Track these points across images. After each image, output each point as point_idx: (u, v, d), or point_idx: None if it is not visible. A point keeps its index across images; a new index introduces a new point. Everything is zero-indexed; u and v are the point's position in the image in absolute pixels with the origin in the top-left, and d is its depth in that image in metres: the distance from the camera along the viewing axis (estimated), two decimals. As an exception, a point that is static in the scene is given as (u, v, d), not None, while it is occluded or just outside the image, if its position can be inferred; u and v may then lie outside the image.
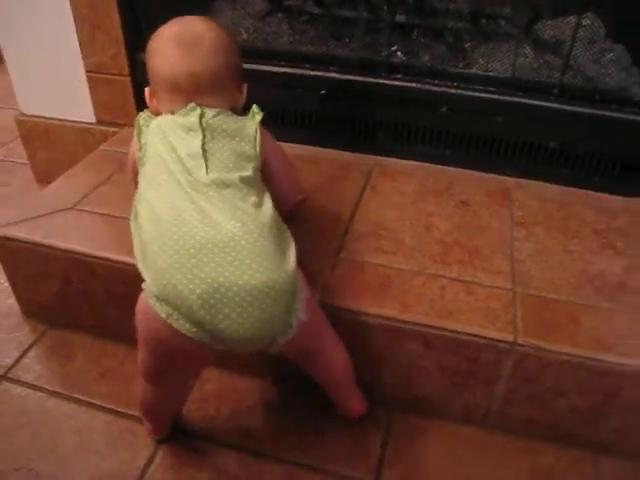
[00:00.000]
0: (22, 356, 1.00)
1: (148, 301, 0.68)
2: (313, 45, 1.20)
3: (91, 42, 1.21)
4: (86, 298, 0.99)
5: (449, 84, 1.12)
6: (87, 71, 1.25)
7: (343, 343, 0.83)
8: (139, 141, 0.77)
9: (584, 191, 1.12)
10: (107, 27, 1.18)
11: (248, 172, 0.75)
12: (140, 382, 0.80)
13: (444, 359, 0.84)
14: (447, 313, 0.83)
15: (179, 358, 0.73)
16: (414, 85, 1.12)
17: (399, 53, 1.18)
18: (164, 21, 0.81)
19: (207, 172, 0.72)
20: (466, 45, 1.21)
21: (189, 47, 0.76)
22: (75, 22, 1.19)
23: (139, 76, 1.23)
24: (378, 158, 1.19)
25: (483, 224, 1.01)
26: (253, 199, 0.73)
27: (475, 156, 1.15)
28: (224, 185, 0.72)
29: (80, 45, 1.22)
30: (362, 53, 1.17)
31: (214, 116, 0.76)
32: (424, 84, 1.12)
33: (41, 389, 0.95)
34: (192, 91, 0.77)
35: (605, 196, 1.11)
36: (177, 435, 0.88)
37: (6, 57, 1.30)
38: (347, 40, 1.20)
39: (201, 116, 0.75)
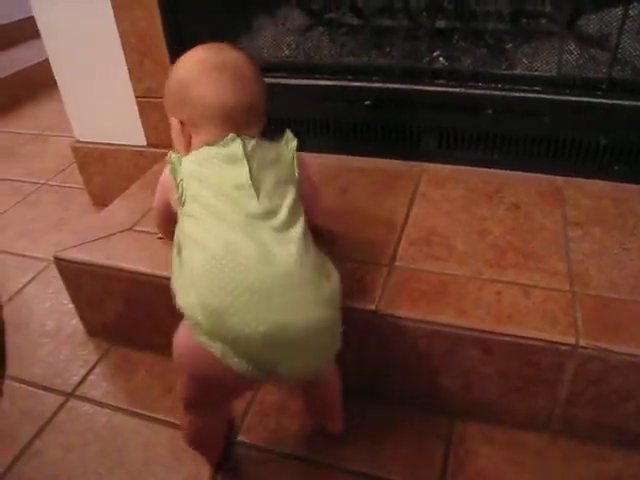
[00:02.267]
0: (88, 374, 1.04)
1: (196, 339, 0.67)
2: (355, 56, 1.22)
3: (140, 69, 1.26)
4: (148, 316, 1.02)
5: (493, 86, 1.11)
6: (137, 97, 1.30)
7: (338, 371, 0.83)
8: (175, 180, 0.73)
9: (639, 187, 1.09)
10: (154, 54, 1.22)
11: (292, 199, 0.74)
12: (183, 414, 0.79)
13: (504, 364, 0.83)
14: (505, 317, 0.82)
15: (228, 390, 0.74)
16: (458, 90, 1.12)
17: (441, 59, 1.18)
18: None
19: (259, 202, 0.70)
20: (508, 46, 1.20)
21: (236, 76, 0.75)
22: (124, 50, 1.24)
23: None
24: (426, 165, 1.19)
25: (536, 226, 0.99)
26: (300, 228, 0.72)
27: (523, 157, 1.14)
28: (274, 214, 0.71)
29: (130, 72, 1.27)
30: (404, 61, 1.17)
31: (255, 145, 0.75)
32: (468, 88, 1.11)
33: (107, 406, 0.98)
34: (240, 122, 0.75)
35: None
36: (240, 449, 0.90)
37: (60, 86, 1.36)
38: (388, 49, 1.21)
39: (244, 146, 0.73)
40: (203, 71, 0.75)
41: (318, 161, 1.22)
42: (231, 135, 0.73)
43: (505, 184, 1.11)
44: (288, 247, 0.68)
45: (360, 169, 1.19)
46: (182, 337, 0.71)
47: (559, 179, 1.12)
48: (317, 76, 1.18)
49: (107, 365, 1.06)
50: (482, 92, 1.11)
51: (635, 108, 1.05)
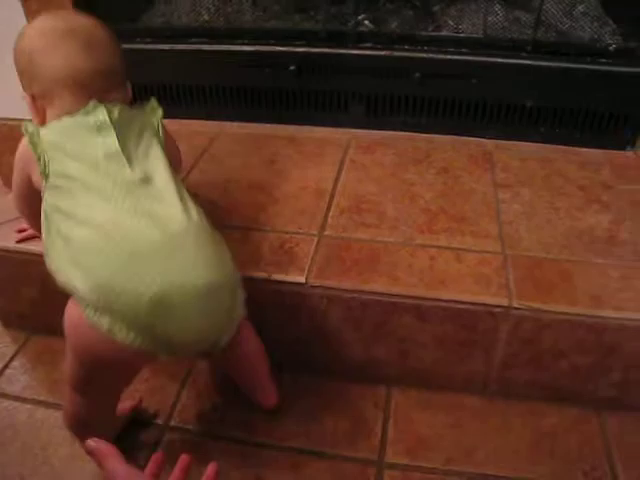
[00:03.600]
0: (5, 367, 0.97)
1: (82, 313, 0.64)
2: (278, 20, 1.17)
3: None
4: (66, 301, 0.95)
5: (420, 49, 1.09)
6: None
7: (257, 337, 0.82)
8: (36, 152, 0.69)
9: (565, 147, 1.10)
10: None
11: (165, 164, 0.72)
12: (68, 393, 0.75)
13: (440, 330, 0.82)
14: (438, 283, 0.81)
15: (116, 368, 0.70)
16: (384, 53, 1.09)
17: (367, 22, 1.15)
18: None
19: (131, 169, 0.68)
20: (434, 8, 1.18)
21: (87, 42, 0.70)
22: (25, 15, 1.13)
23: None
24: (354, 131, 1.16)
25: (467, 189, 0.99)
26: (179, 192, 0.70)
27: (452, 121, 1.13)
28: (150, 180, 0.69)
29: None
30: (329, 25, 1.13)
31: (120, 112, 0.71)
32: (394, 51, 1.09)
33: (28, 400, 0.91)
34: (96, 89, 0.71)
35: (587, 151, 1.09)
36: (175, 433, 0.86)
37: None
38: (313, 12, 1.16)
39: (108, 113, 0.70)
40: (49, 40, 0.70)
41: (244, 131, 1.17)
42: (93, 102, 0.70)
43: (435, 148, 1.10)
44: (172, 210, 0.67)
45: (288, 138, 1.15)
46: (70, 314, 0.68)
47: (488, 142, 1.12)
48: (238, 41, 1.13)
49: (26, 357, 0.99)
50: (409, 55, 1.08)
51: (559, 69, 1.05)
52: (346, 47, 1.10)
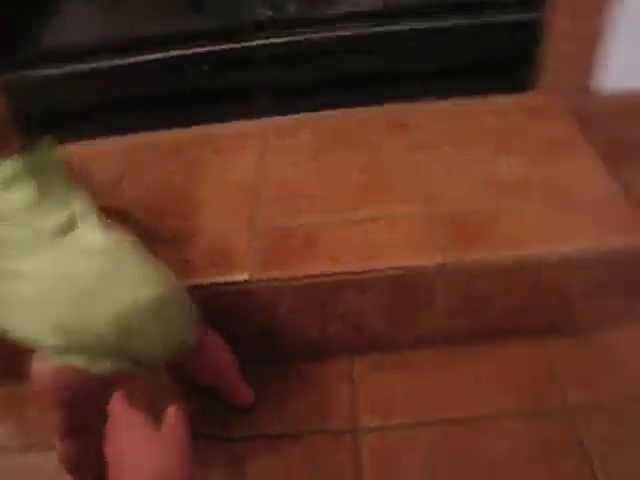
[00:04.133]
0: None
1: (49, 363, 0.66)
2: (175, 24, 1.16)
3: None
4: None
5: (316, 30, 1.11)
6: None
7: (222, 341, 0.84)
8: None
9: (476, 100, 1.15)
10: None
11: (78, 198, 0.71)
12: (58, 443, 0.76)
13: (382, 299, 0.86)
14: (374, 255, 0.85)
15: (98, 399, 0.69)
16: (282, 40, 1.11)
17: (265, 10, 1.16)
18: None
19: (51, 216, 0.67)
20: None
21: None
22: None
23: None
24: (270, 120, 1.18)
25: (388, 158, 1.03)
26: (102, 226, 0.70)
27: (363, 94, 1.16)
28: (72, 223, 0.68)
29: None
30: (223, 21, 1.15)
31: (24, 162, 0.68)
32: (293, 36, 1.11)
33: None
34: None
35: (495, 99, 1.14)
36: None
37: None
38: (206, 11, 1.17)
39: (14, 167, 0.67)
40: None
41: (163, 140, 1.17)
42: None
43: (351, 123, 1.13)
44: (98, 242, 0.68)
45: (206, 139, 1.16)
46: (36, 372, 0.69)
47: (401, 107, 1.15)
48: (140, 52, 1.12)
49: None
50: (306, 37, 1.10)
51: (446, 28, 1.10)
52: (247, 39, 1.12)
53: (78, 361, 0.65)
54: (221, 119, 1.18)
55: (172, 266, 0.75)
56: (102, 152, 1.16)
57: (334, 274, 0.84)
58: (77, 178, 0.77)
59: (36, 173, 0.69)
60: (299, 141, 1.11)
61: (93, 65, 1.13)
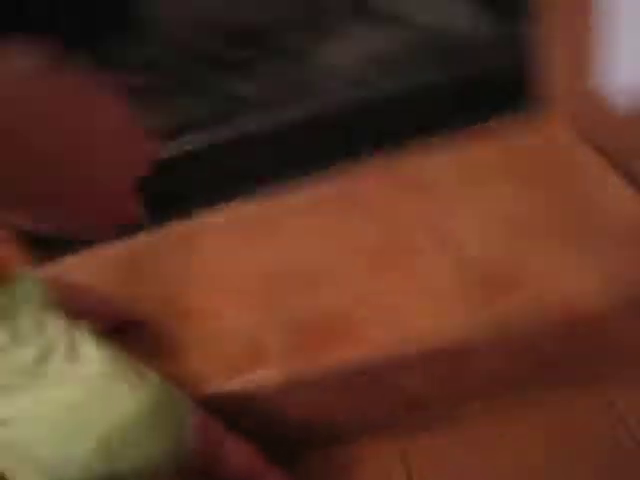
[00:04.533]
0: None
1: None
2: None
3: None
4: None
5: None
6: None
7: (248, 446, 0.80)
8: None
9: (476, 131, 1.10)
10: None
11: (59, 324, 0.69)
12: None
13: (427, 373, 0.82)
14: (409, 330, 0.80)
15: None
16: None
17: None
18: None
19: (27, 350, 0.65)
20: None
21: None
22: None
23: None
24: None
25: (400, 218, 0.98)
26: (84, 344, 0.68)
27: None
28: (51, 350, 0.66)
29: None
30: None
31: None
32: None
33: None
34: None
35: (499, 126, 1.09)
36: None
37: None
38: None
39: None
40: None
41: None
42: None
43: (353, 183, 1.08)
44: (84, 366, 0.66)
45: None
46: None
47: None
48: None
49: None
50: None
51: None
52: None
53: None
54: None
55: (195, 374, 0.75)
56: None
57: (372, 359, 0.79)
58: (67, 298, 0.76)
59: (6, 310, 0.67)
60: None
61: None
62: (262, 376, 0.81)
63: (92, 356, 0.67)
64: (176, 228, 1.13)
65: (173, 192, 1.10)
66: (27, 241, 1.16)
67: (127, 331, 0.92)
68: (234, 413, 0.83)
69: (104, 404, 0.65)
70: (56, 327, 0.69)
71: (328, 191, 1.09)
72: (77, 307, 0.79)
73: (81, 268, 1.13)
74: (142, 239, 1.13)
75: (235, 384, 0.82)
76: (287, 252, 0.99)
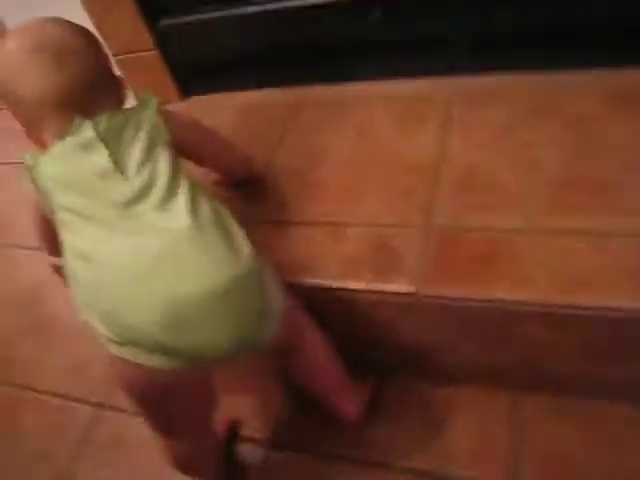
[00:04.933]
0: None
1: (113, 353, 0.60)
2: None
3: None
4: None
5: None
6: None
7: (326, 343, 0.75)
8: (38, 188, 0.65)
9: None
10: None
11: (167, 163, 0.64)
12: (158, 441, 0.72)
13: (579, 339, 0.67)
14: (576, 284, 0.65)
15: (178, 398, 0.66)
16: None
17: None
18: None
19: (129, 183, 0.62)
20: None
21: (59, 57, 0.63)
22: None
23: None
24: (453, 81, 0.96)
25: (605, 145, 0.78)
26: (185, 193, 0.63)
27: (581, 53, 0.89)
28: (150, 188, 0.62)
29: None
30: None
31: (109, 121, 0.64)
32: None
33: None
34: (80, 103, 0.64)
35: None
36: (279, 452, 0.82)
37: None
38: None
39: (95, 127, 0.63)
40: (17, 63, 0.64)
41: (328, 94, 1.03)
42: (77, 120, 0.63)
43: (558, 92, 0.88)
44: (174, 217, 0.61)
45: (378, 97, 0.98)
46: (111, 365, 0.63)
47: (629, 76, 0.87)
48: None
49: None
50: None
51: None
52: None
53: (129, 354, 0.59)
54: (396, 74, 0.99)
55: (325, 258, 0.70)
56: (264, 102, 1.06)
57: (519, 302, 0.66)
58: (184, 126, 0.72)
59: (122, 133, 0.64)
60: (490, 112, 0.89)
61: (254, 9, 1.00)
62: (387, 284, 0.72)
63: (184, 211, 0.62)
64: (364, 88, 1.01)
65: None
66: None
67: (246, 186, 0.88)
68: (331, 312, 0.77)
69: (179, 270, 0.59)
70: (162, 165, 0.64)
71: (526, 87, 0.90)
72: (201, 150, 0.76)
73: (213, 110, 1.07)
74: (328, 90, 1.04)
75: (351, 283, 0.74)
76: (459, 150, 0.85)
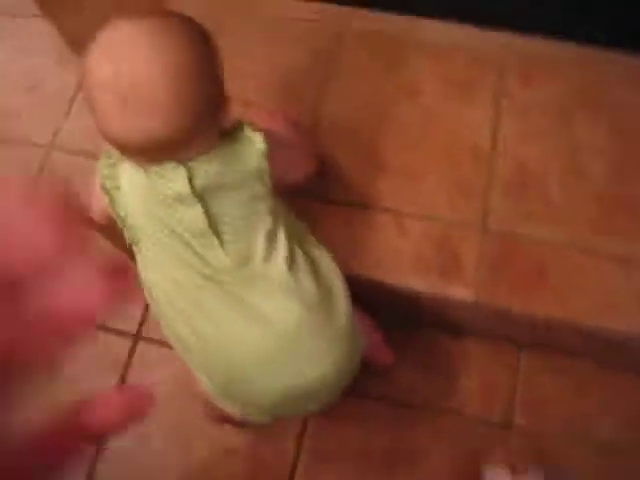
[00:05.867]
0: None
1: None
2: None
3: None
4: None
5: None
6: None
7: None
8: (112, 202, 0.60)
9: None
10: None
11: (273, 225, 0.61)
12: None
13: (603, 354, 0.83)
14: (605, 307, 0.77)
15: None
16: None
17: None
18: None
19: (224, 251, 0.59)
20: None
21: (138, 103, 0.51)
22: None
23: None
24: (511, 41, 0.89)
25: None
26: (282, 253, 0.61)
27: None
28: (248, 258, 0.60)
29: None
30: None
31: (206, 173, 0.57)
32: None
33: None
34: (166, 152, 0.55)
35: None
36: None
37: None
38: None
39: (190, 178, 0.56)
40: (94, 91, 0.53)
41: (373, 28, 0.92)
42: (171, 164, 0.56)
43: (606, 80, 0.87)
44: (278, 303, 0.61)
45: (430, 46, 0.91)
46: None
47: None
48: None
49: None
50: None
51: None
52: None
53: (231, 408, 0.69)
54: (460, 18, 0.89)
55: (377, 251, 0.74)
56: (301, 25, 0.94)
57: (558, 320, 0.79)
58: (283, 162, 0.64)
59: (222, 186, 0.58)
60: (545, 92, 0.87)
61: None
62: (448, 289, 0.78)
63: (302, 270, 0.63)
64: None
65: None
66: None
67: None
68: (382, 301, 0.82)
69: (299, 358, 0.63)
70: (261, 221, 0.61)
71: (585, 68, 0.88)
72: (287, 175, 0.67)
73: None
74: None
75: (417, 284, 0.79)
76: (513, 138, 0.85)
